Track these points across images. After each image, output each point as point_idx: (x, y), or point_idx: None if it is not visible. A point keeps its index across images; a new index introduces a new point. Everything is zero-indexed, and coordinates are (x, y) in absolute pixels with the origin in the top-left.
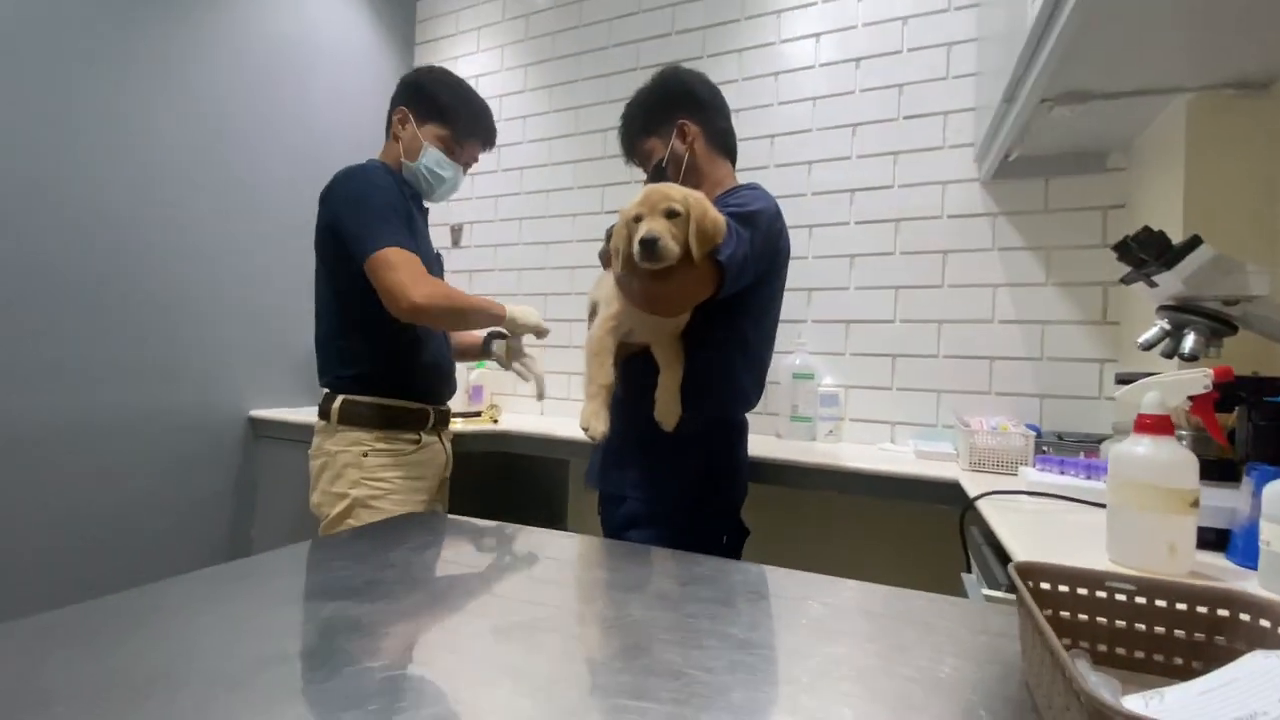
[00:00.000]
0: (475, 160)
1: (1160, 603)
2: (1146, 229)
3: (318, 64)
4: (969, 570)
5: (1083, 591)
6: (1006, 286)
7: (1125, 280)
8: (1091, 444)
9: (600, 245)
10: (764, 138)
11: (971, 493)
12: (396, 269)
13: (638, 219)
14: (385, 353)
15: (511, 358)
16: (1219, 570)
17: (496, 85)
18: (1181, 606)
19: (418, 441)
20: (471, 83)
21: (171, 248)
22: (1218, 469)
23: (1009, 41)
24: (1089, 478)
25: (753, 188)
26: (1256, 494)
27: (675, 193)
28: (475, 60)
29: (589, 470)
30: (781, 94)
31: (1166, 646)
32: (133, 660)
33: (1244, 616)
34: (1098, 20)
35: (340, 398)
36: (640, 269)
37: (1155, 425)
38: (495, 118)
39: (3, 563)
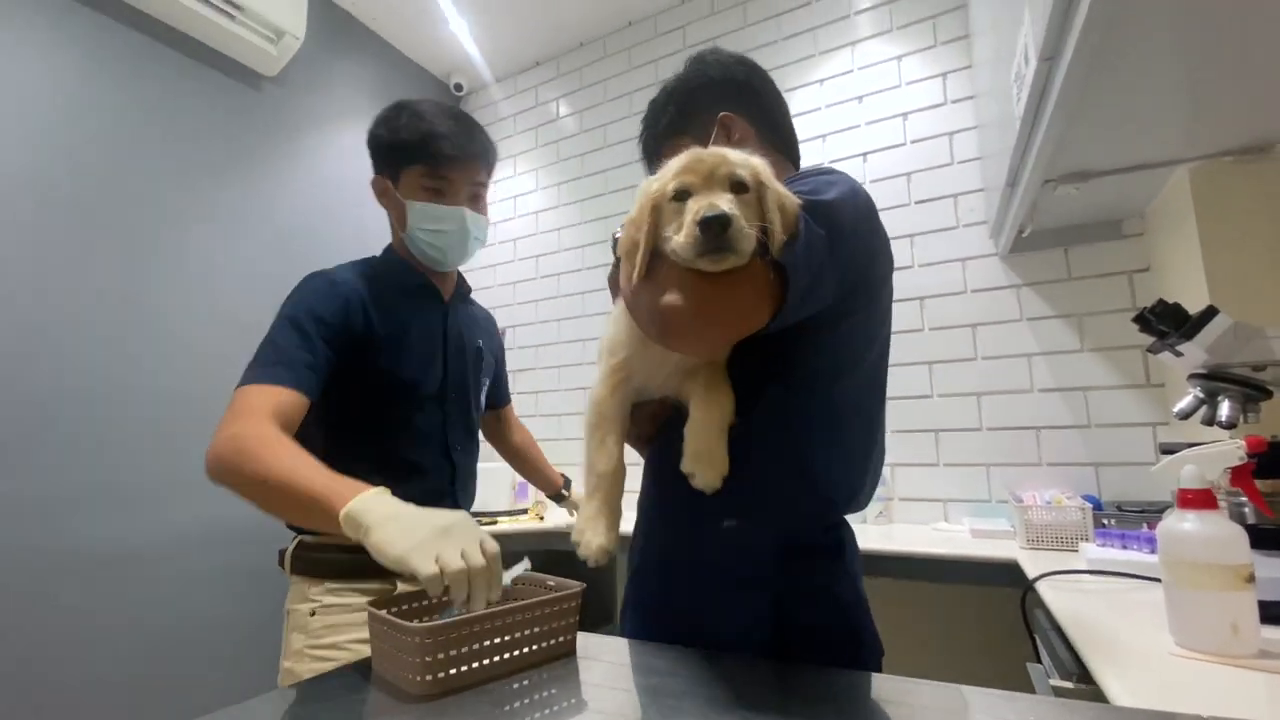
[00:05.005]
0: (482, 188)
1: None
2: (1161, 302)
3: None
4: (1036, 659)
5: None
6: (1041, 355)
7: (1151, 350)
8: (1154, 513)
9: (608, 267)
10: None
11: (1031, 573)
12: (228, 410)
13: (682, 194)
14: (343, 468)
15: None
16: None
17: (534, 203)
18: None
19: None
20: (510, 203)
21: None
22: (1275, 537)
23: (1004, 129)
24: (1152, 552)
25: (827, 171)
26: None
27: (735, 155)
28: (514, 182)
29: (622, 614)
30: None
31: None
32: None
33: None
34: (1083, 108)
35: (296, 540)
36: (688, 271)
37: (1197, 500)
38: (533, 231)
39: (103, 682)
